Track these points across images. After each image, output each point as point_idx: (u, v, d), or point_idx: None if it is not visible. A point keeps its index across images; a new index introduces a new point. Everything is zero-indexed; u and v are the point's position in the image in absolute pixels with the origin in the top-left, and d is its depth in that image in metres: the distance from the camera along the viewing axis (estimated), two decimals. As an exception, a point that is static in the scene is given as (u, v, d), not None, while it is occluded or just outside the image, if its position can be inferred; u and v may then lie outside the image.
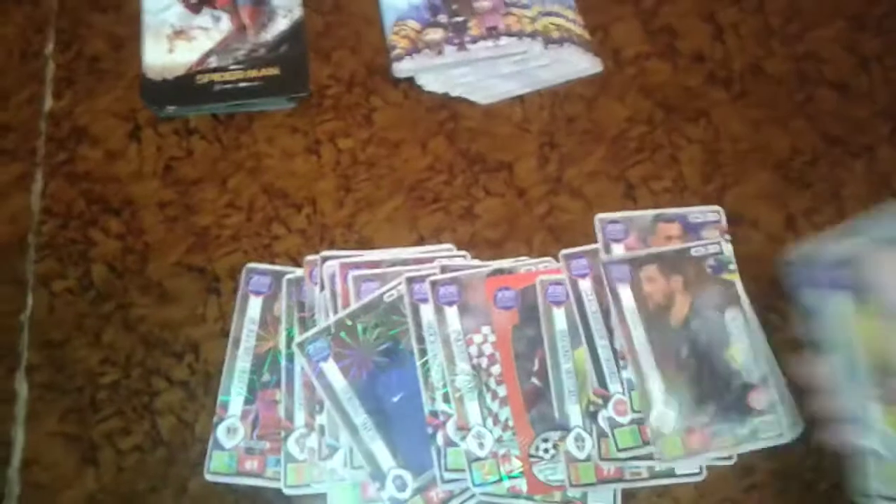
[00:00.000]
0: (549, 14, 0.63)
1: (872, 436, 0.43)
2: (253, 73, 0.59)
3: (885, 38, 0.65)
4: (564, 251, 0.56)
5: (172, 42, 0.60)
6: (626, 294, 0.55)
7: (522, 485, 0.51)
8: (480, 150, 0.60)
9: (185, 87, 0.59)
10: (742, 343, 0.54)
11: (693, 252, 0.56)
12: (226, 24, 0.61)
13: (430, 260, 0.56)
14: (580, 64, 0.63)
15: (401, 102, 0.61)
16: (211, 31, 0.61)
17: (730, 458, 0.52)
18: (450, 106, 0.61)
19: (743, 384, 0.53)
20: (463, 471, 0.51)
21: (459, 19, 0.62)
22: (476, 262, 0.57)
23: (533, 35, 0.61)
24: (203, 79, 0.59)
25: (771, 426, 0.52)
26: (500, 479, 0.51)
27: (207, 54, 0.60)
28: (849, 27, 0.65)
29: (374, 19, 0.63)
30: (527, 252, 0.58)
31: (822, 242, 0.46)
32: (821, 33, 0.65)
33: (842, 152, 0.61)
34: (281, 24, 0.61)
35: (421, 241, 0.58)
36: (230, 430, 0.52)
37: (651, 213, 0.58)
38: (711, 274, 0.56)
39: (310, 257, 0.56)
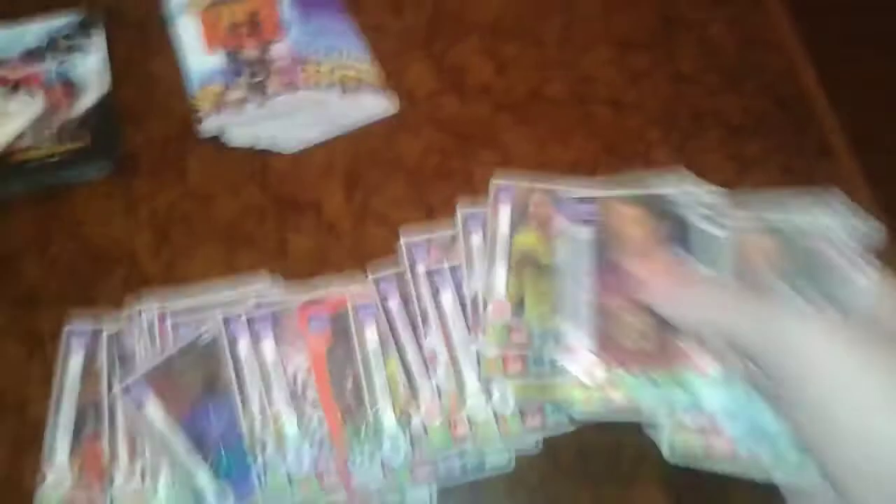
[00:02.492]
0: (344, 66, 0.69)
1: None
2: (65, 147, 0.63)
3: (651, 55, 0.73)
4: (372, 275, 0.61)
5: (-12, 125, 0.64)
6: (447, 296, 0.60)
7: (342, 496, 0.55)
8: (290, 193, 0.65)
9: (1, 168, 0.63)
10: None
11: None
12: (40, 101, 0.65)
13: (245, 298, 0.60)
14: (376, 107, 0.68)
15: (212, 158, 0.66)
16: (25, 111, 0.65)
17: (536, 444, 0.57)
18: (260, 157, 0.66)
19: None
20: (284, 491, 0.54)
21: (258, 79, 0.67)
22: (289, 293, 0.61)
23: (329, 86, 0.67)
24: (17, 157, 0.63)
25: None
26: (320, 495, 0.54)
27: (21, 134, 0.64)
28: (618, 49, 0.73)
29: (182, 86, 0.68)
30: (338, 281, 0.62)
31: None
32: (592, 57, 0.73)
33: (619, 160, 0.68)
34: (91, 98, 0.66)
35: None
36: (57, 473, 0.54)
37: (449, 232, 0.63)
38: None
39: (129, 309, 0.59)
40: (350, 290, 0.61)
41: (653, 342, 0.53)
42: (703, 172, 0.67)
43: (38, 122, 0.65)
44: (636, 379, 0.52)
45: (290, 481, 0.54)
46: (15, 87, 0.66)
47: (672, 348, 0.53)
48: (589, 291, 0.55)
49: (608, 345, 0.53)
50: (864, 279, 0.52)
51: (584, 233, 0.57)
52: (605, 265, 0.55)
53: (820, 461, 0.41)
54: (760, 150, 0.69)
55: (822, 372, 0.40)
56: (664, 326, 0.52)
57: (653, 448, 0.58)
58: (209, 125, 0.65)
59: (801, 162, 0.68)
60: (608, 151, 0.68)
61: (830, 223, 0.55)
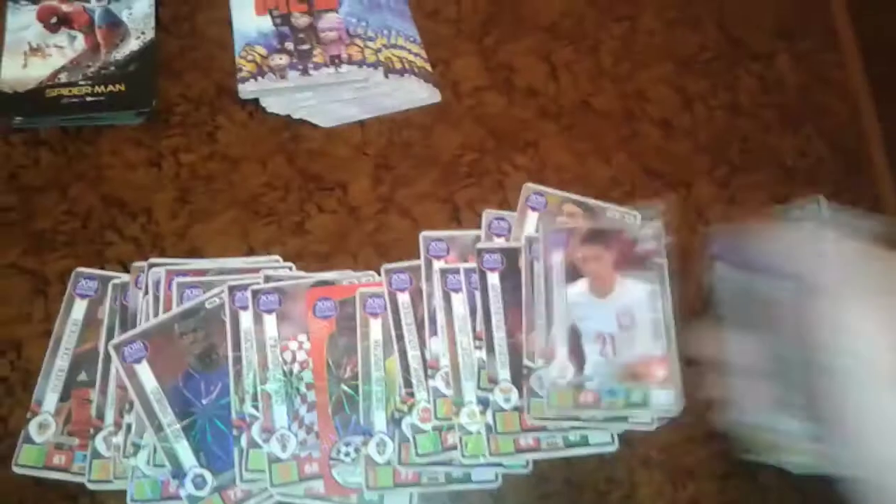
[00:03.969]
0: (393, 47, 0.67)
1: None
2: (100, 89, 0.62)
3: (710, 80, 0.70)
4: (386, 266, 0.59)
5: (27, 58, 0.63)
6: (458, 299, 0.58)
7: (320, 486, 0.54)
8: (318, 170, 0.64)
9: (35, 100, 0.62)
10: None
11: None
12: (80, 43, 0.64)
13: (256, 270, 0.59)
14: (420, 93, 0.66)
15: (245, 122, 0.64)
16: (65, 49, 0.64)
17: (526, 465, 0.55)
18: (292, 128, 0.65)
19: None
20: (263, 471, 0.53)
21: (305, 47, 0.65)
22: (301, 273, 0.59)
23: (375, 65, 0.65)
24: (52, 92, 0.62)
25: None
26: (298, 481, 0.53)
27: (59, 70, 0.63)
28: (676, 69, 0.70)
29: (227, 45, 0.66)
30: (352, 266, 0.60)
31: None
32: (649, 73, 0.70)
33: (661, 185, 0.65)
34: (132, 45, 0.64)
35: (251, 253, 0.60)
36: (42, 426, 0.54)
37: (473, 233, 0.62)
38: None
39: (137, 263, 0.58)
40: (361, 279, 0.59)
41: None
42: (744, 211, 0.65)
43: (78, 61, 0.64)
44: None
45: (270, 467, 0.53)
46: (58, 23, 0.65)
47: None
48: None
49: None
50: None
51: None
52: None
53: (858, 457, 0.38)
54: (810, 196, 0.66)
55: None
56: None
57: (644, 488, 0.56)
58: (248, 88, 0.63)
59: (850, 216, 0.65)
60: (649, 174, 0.66)
61: None
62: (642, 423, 0.56)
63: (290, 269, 0.60)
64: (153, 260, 0.58)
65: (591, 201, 0.63)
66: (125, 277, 0.58)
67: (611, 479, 0.56)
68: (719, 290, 0.48)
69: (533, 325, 0.57)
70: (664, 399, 0.55)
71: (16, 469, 0.52)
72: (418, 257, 0.60)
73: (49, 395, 0.55)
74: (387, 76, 0.65)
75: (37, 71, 0.63)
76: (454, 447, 0.55)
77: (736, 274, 0.47)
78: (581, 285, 0.58)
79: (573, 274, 0.58)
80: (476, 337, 0.57)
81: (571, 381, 0.55)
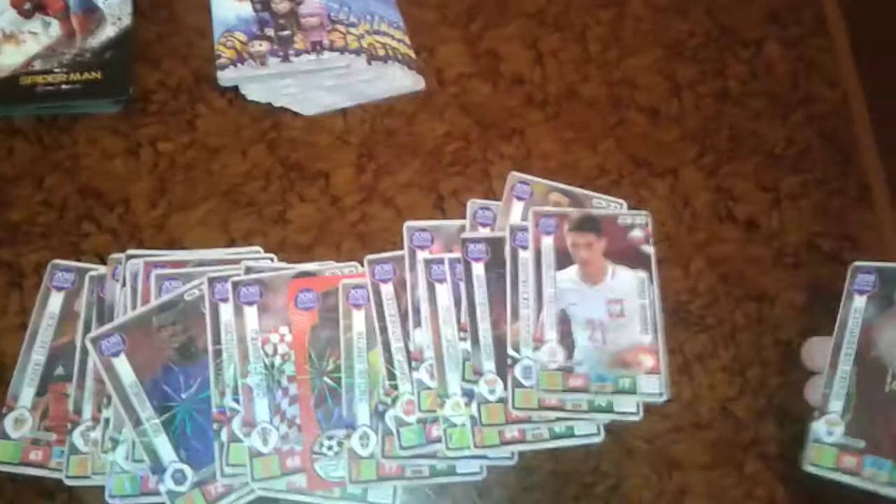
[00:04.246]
0: (376, 33, 0.66)
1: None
2: (75, 77, 0.61)
3: (698, 67, 0.69)
4: (370, 256, 0.58)
5: (0, 45, 0.62)
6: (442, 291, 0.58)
7: (302, 480, 0.53)
8: (299, 159, 0.62)
9: (8, 89, 0.60)
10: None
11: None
12: (55, 30, 0.63)
13: (237, 262, 0.58)
14: (403, 81, 0.65)
15: (225, 110, 0.63)
16: (40, 36, 0.62)
17: (511, 457, 0.54)
18: (273, 116, 0.63)
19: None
20: (244, 466, 0.52)
21: (285, 33, 0.64)
22: (282, 264, 0.58)
23: (357, 51, 0.64)
24: (26, 80, 0.61)
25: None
26: (280, 475, 0.52)
27: (33, 58, 0.61)
28: (665, 56, 0.69)
29: (206, 31, 0.65)
30: (335, 257, 0.59)
31: None
32: (637, 60, 0.69)
33: (646, 173, 0.65)
34: (109, 32, 0.63)
35: (231, 244, 0.59)
36: (17, 421, 0.53)
37: (457, 223, 0.61)
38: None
39: (115, 255, 0.57)
40: (344, 270, 0.59)
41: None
42: (734, 200, 0.64)
43: (53, 48, 0.62)
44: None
45: (251, 457, 0.52)
46: (32, 9, 0.63)
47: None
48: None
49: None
50: None
51: None
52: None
53: None
54: (797, 184, 0.65)
55: None
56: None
57: (630, 480, 0.56)
58: (228, 75, 0.62)
59: (837, 203, 0.64)
60: (636, 163, 0.65)
61: None
62: (628, 412, 0.55)
63: (272, 260, 0.59)
64: (131, 252, 0.57)
65: (578, 190, 0.62)
66: (102, 269, 0.57)
67: (597, 470, 0.56)
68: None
69: (517, 315, 0.57)
70: (652, 386, 0.55)
71: (-9, 465, 0.52)
72: (402, 248, 0.59)
73: (25, 390, 0.54)
74: (370, 63, 0.64)
75: (10, 58, 0.61)
76: (438, 440, 0.54)
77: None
78: (572, 272, 0.58)
79: (563, 261, 0.58)
80: (461, 328, 0.57)
81: (562, 364, 0.55)
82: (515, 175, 0.62)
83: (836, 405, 0.52)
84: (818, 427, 0.53)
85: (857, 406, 0.52)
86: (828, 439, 0.52)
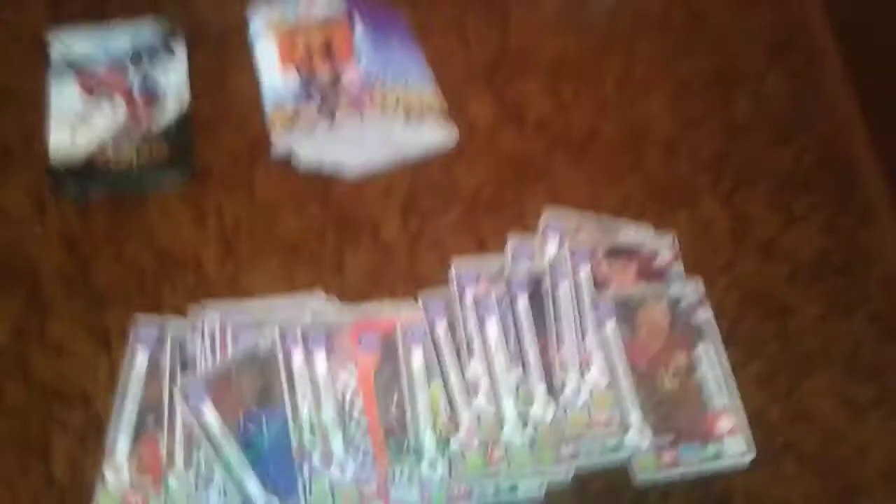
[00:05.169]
0: (408, 95, 0.72)
1: None
2: (144, 156, 0.68)
3: (707, 101, 0.75)
4: (422, 295, 0.64)
5: (74, 129, 0.68)
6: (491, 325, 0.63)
7: (380, 507, 0.58)
8: (350, 213, 0.68)
9: (85, 172, 0.67)
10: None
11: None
12: (122, 111, 0.70)
13: (302, 313, 0.63)
14: (437, 137, 0.72)
15: (279, 175, 0.70)
16: (108, 117, 0.69)
17: (567, 474, 0.59)
18: (323, 177, 0.70)
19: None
20: (326, 500, 0.57)
21: (330, 101, 0.71)
22: (344, 306, 0.64)
23: (394, 113, 0.70)
24: (100, 163, 0.67)
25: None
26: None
27: (104, 140, 0.68)
28: (675, 95, 0.76)
29: (257, 104, 0.72)
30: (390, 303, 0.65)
31: None
32: (649, 101, 0.75)
33: (667, 205, 0.70)
34: (171, 110, 0.70)
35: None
36: (115, 471, 0.58)
37: (499, 258, 0.66)
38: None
39: (192, 317, 0.63)
40: (400, 313, 0.64)
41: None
42: (748, 223, 0.69)
43: (120, 132, 0.69)
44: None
45: (332, 492, 0.57)
46: (100, 93, 0.70)
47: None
48: None
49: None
50: None
51: None
52: None
53: None
54: (807, 205, 0.70)
55: None
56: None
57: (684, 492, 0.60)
58: (280, 145, 0.69)
59: (845, 222, 0.70)
60: (656, 195, 0.70)
61: None
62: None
63: (334, 304, 0.64)
64: (205, 311, 0.63)
65: (607, 220, 0.68)
66: (182, 330, 0.62)
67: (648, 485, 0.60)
68: None
69: (563, 340, 0.62)
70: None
71: (96, 512, 0.56)
72: (451, 286, 0.64)
73: (120, 441, 0.59)
74: (407, 122, 0.70)
75: (83, 140, 0.68)
76: (500, 461, 0.59)
77: None
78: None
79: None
80: (511, 357, 0.62)
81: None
82: (549, 212, 0.68)
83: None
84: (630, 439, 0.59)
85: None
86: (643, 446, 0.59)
